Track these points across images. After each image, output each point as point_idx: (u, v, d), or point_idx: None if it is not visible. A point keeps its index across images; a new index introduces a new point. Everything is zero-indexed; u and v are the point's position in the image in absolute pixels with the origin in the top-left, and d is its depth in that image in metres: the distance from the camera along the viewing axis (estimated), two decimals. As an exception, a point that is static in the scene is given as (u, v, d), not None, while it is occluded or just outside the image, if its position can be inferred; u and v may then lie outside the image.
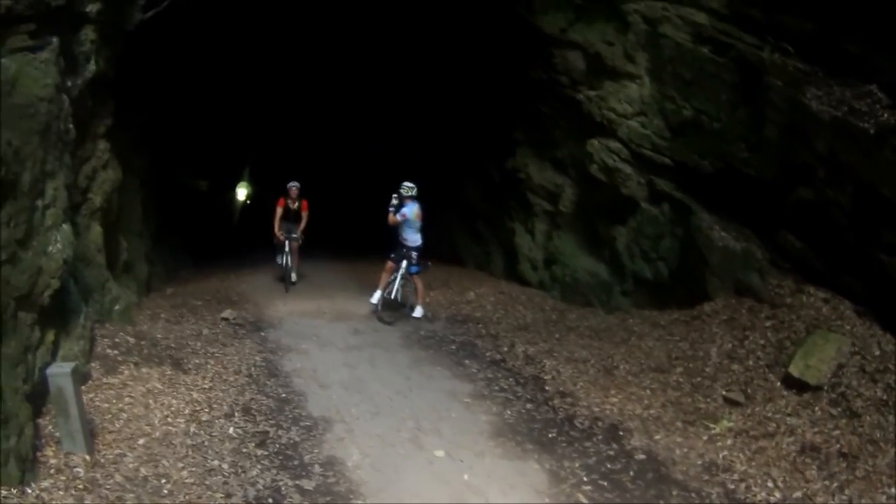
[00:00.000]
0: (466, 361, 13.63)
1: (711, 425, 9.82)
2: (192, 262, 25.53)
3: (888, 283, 10.53)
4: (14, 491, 6.87)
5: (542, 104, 19.49)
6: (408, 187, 16.67)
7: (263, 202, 34.16)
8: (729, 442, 9.40)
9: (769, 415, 9.72)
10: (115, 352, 11.36)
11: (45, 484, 7.38)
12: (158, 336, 13.16)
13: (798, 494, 8.11)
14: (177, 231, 24.95)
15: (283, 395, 11.53)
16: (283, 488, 8.35)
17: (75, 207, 11.63)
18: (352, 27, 24.79)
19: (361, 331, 15.82)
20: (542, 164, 20.31)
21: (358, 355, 13.94)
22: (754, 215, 13.21)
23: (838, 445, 8.73)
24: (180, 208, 26.17)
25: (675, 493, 8.45)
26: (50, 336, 9.12)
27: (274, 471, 8.78)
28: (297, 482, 8.55)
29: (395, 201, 16.61)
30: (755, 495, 8.24)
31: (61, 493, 7.31)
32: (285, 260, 21.26)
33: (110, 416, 9.29)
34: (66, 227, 9.73)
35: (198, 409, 10.21)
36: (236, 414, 10.31)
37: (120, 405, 9.67)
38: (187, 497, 7.81)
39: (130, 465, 8.22)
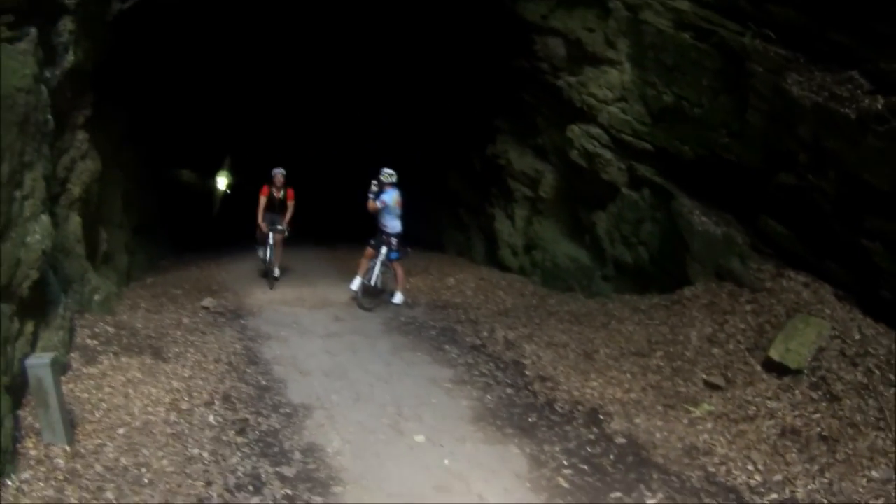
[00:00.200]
0: (447, 347, 13.66)
1: (692, 409, 9.84)
2: (173, 252, 25.47)
3: (869, 267, 10.56)
4: (-6, 483, 6.87)
5: (523, 91, 19.52)
6: (387, 174, 16.68)
7: (244, 192, 34.12)
8: (709, 425, 9.39)
9: (749, 398, 9.72)
10: (95, 342, 11.34)
11: (25, 476, 7.37)
12: (138, 325, 13.14)
13: (778, 478, 8.12)
14: (157, 221, 24.82)
15: (264, 382, 11.53)
16: (263, 475, 8.34)
17: (54, 198, 11.61)
18: (330, 14, 24.66)
19: (342, 318, 15.86)
20: (523, 151, 20.36)
21: (338, 342, 13.96)
22: (735, 201, 13.25)
23: (818, 429, 8.73)
24: (161, 198, 26.00)
25: (655, 476, 8.45)
26: (29, 327, 9.11)
27: (254, 458, 8.76)
28: (278, 469, 8.54)
29: (374, 188, 16.63)
30: (735, 478, 8.25)
31: (42, 484, 7.30)
32: (268, 253, 19.91)
33: (90, 406, 9.26)
34: (44, 217, 9.72)
35: (178, 397, 10.16)
36: (216, 402, 10.27)
37: (100, 395, 9.63)
38: (168, 486, 7.78)
39: (111, 455, 8.19)
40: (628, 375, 11.26)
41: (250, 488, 8.02)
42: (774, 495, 7.84)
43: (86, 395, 9.53)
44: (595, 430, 9.77)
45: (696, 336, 11.64)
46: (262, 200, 20.08)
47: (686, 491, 8.12)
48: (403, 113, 27.52)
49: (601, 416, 10.10)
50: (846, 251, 11.00)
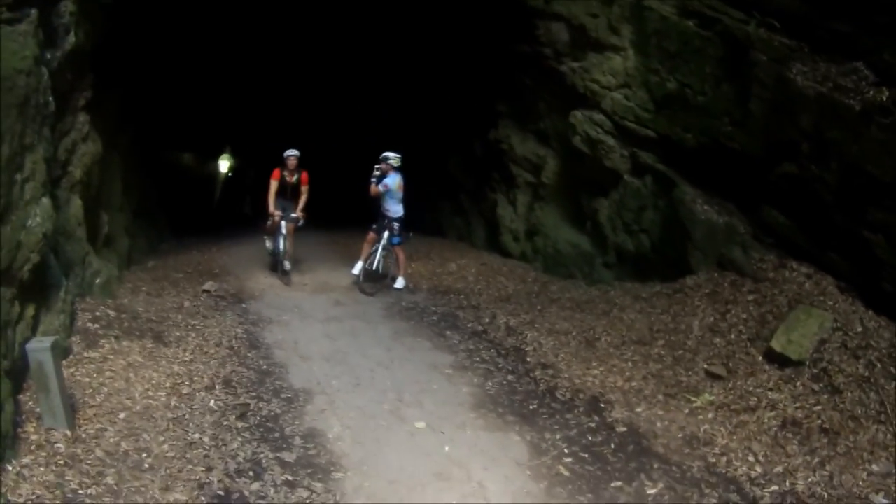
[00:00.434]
0: (448, 333, 13.69)
1: (693, 399, 9.83)
2: (174, 236, 25.41)
3: (871, 259, 10.54)
4: (-5, 467, 6.86)
5: (525, 76, 19.45)
6: (391, 157, 16.64)
7: (244, 175, 34.05)
8: (710, 415, 9.40)
9: (751, 389, 9.73)
10: (96, 326, 11.32)
11: (25, 460, 7.34)
12: (139, 309, 13.13)
13: (779, 469, 8.12)
14: (158, 204, 24.75)
15: (265, 367, 11.56)
16: (263, 461, 8.35)
17: (55, 181, 11.55)
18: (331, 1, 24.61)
19: (343, 302, 15.89)
20: (525, 136, 20.30)
21: (339, 327, 13.98)
22: (738, 190, 13.22)
23: (819, 421, 8.74)
24: (162, 181, 25.91)
25: (656, 466, 8.45)
26: (30, 311, 9.08)
27: (255, 443, 8.78)
28: (278, 454, 8.55)
29: (377, 172, 16.60)
30: (736, 469, 8.24)
31: (42, 469, 7.28)
32: (280, 245, 18.20)
33: (91, 390, 9.26)
34: (45, 200, 9.68)
35: (179, 382, 10.20)
36: (217, 387, 10.31)
37: (101, 379, 9.64)
38: (168, 471, 7.79)
39: (111, 440, 8.19)
40: (629, 364, 11.27)
41: (251, 474, 8.03)
42: (775, 487, 7.83)
43: (87, 380, 9.53)
44: (596, 418, 9.77)
45: (697, 325, 11.63)
46: (273, 185, 18.33)
47: (686, 481, 8.11)
48: (404, 97, 27.40)
49: (602, 405, 10.10)
50: (848, 243, 10.98)
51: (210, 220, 31.83)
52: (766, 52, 12.26)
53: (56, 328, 9.81)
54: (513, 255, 20.86)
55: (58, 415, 8.02)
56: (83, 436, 8.14)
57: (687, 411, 9.61)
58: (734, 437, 8.83)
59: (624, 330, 12.50)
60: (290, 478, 8.04)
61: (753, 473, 8.13)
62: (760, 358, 10.31)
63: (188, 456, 8.18)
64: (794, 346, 9.92)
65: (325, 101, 33.59)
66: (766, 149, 12.27)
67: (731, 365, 10.38)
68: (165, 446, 8.29)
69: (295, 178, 18.42)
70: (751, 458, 8.39)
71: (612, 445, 9.04)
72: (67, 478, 7.23)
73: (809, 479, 7.85)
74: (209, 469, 7.97)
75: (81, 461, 7.61)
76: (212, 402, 9.72)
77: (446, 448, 8.94)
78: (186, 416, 9.17)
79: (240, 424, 9.21)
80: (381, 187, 16.58)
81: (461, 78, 22.88)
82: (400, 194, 16.86)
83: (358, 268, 16.81)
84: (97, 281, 13.04)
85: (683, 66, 13.93)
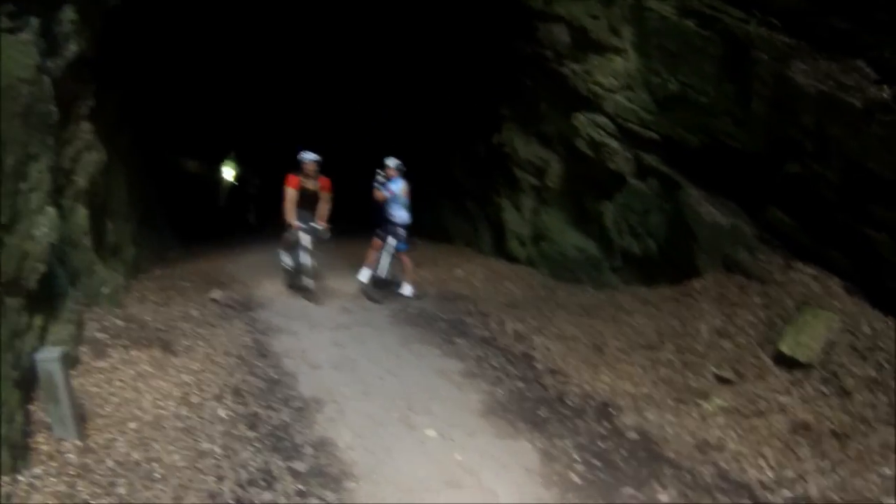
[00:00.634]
0: (456, 339, 13.65)
1: (703, 403, 9.81)
2: (180, 244, 25.41)
3: (876, 258, 10.54)
4: (6, 478, 6.85)
5: (527, 78, 19.47)
6: (394, 163, 16.65)
7: (249, 183, 33.98)
8: (720, 420, 9.36)
9: (760, 393, 9.68)
10: (104, 335, 11.31)
11: (36, 471, 7.35)
12: (147, 318, 13.10)
13: (790, 473, 8.08)
14: (164, 213, 24.75)
15: (274, 375, 11.52)
16: (275, 470, 8.32)
17: (60, 190, 11.58)
18: (334, 4, 24.61)
19: (350, 309, 15.87)
20: (528, 139, 20.30)
21: (347, 334, 13.97)
22: (742, 190, 13.19)
23: (830, 424, 8.69)
24: (167, 190, 25.87)
25: (667, 471, 8.43)
26: (38, 321, 9.09)
27: (266, 453, 8.75)
28: (289, 464, 8.52)
29: (381, 178, 16.58)
30: (747, 474, 8.20)
31: (53, 479, 7.28)
32: (302, 260, 16.66)
33: (100, 400, 9.26)
34: (51, 210, 9.69)
35: (188, 391, 10.17)
36: (227, 396, 10.27)
37: (110, 389, 9.64)
38: (179, 481, 7.77)
39: (122, 450, 8.18)
40: (639, 369, 11.23)
41: (262, 483, 8.01)
42: (786, 492, 7.80)
43: (96, 389, 9.52)
44: (606, 424, 9.73)
45: (706, 329, 11.60)
46: (291, 193, 16.67)
47: (698, 486, 8.08)
48: (406, 100, 27.43)
49: (612, 411, 10.06)
50: (852, 242, 10.97)
51: (216, 228, 31.79)
52: (766, 50, 12.25)
53: (64, 338, 9.80)
54: (519, 260, 20.84)
55: (68, 425, 8.03)
56: (93, 446, 8.13)
57: (697, 416, 9.57)
58: (745, 442, 8.79)
59: (632, 334, 12.45)
60: (301, 487, 8.02)
61: (765, 478, 8.10)
62: (769, 361, 10.27)
63: (199, 465, 8.16)
64: (802, 348, 9.89)
65: (326, 105, 33.65)
66: (768, 148, 12.28)
67: (740, 369, 10.34)
68: (176, 456, 8.27)
69: (315, 184, 17.04)
70: (762, 463, 8.35)
71: (623, 451, 9.01)
72: (79, 488, 7.23)
73: (821, 484, 7.80)
74: (220, 479, 7.95)
75: (92, 471, 7.61)
76: (221, 412, 9.69)
77: (457, 455, 8.92)
78: (196, 426, 9.14)
79: (250, 434, 9.17)
80: (386, 193, 16.57)
81: (463, 81, 22.93)
82: (405, 200, 16.85)
83: (365, 274, 16.81)
84: (104, 290, 13.04)
85: (684, 67, 13.94)
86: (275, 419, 9.76)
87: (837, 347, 9.84)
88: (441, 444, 9.28)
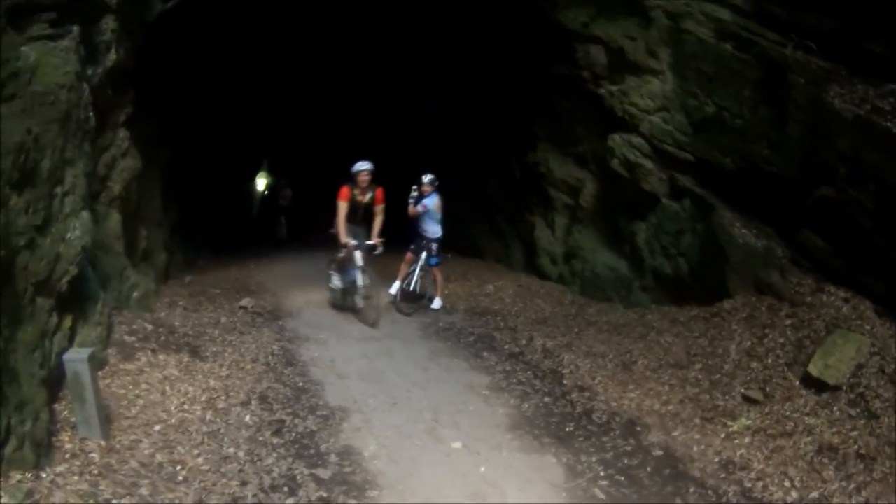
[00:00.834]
0: (485, 354, 13.65)
1: (729, 423, 9.75)
2: (211, 252, 25.52)
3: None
4: (29, 475, 6.85)
5: (563, 99, 19.43)
6: (429, 179, 16.67)
7: (279, 194, 33.92)
8: (747, 440, 9.32)
9: (787, 414, 9.64)
10: (133, 338, 11.38)
11: (59, 469, 7.35)
12: (176, 323, 13.20)
13: (815, 495, 8.04)
14: (196, 221, 24.86)
15: (301, 384, 11.57)
16: (298, 477, 8.36)
17: (94, 195, 11.69)
18: (371, 20, 24.64)
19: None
20: (564, 159, 20.25)
21: (376, 346, 14.01)
22: (775, 213, 13.12)
23: (856, 446, 8.64)
24: (200, 198, 25.96)
25: (692, 490, 8.38)
26: (67, 322, 9.16)
27: (290, 459, 8.79)
28: (313, 471, 8.55)
29: (414, 192, 16.60)
30: (772, 494, 8.16)
31: (76, 477, 7.29)
32: (357, 279, 15.60)
33: (126, 402, 9.31)
34: (85, 214, 9.78)
35: (214, 396, 10.24)
36: (253, 402, 10.33)
37: (136, 391, 9.71)
38: (202, 484, 7.80)
39: (146, 452, 8.21)
40: (666, 387, 11.20)
41: (285, 489, 8.03)
42: (811, 512, 7.77)
43: (122, 391, 9.58)
44: (632, 441, 9.70)
45: (735, 349, 11.54)
46: (343, 208, 15.53)
47: (722, 505, 8.05)
48: (441, 116, 27.41)
49: (638, 428, 10.03)
50: (886, 266, 10.88)
51: (247, 237, 31.86)
52: (802, 74, 12.21)
53: (93, 340, 9.88)
54: (550, 277, 20.78)
55: (93, 425, 8.05)
56: (117, 446, 8.16)
57: (723, 435, 9.52)
58: (770, 462, 8.75)
59: (661, 353, 12.41)
60: (324, 494, 8.03)
61: (789, 499, 8.06)
62: (797, 382, 10.21)
63: (223, 470, 8.20)
64: (831, 370, 9.83)
65: (361, 119, 33.65)
66: (803, 172, 12.21)
67: (767, 389, 10.28)
68: (200, 459, 8.31)
69: (368, 196, 15.83)
70: (787, 484, 8.30)
71: (649, 469, 8.97)
72: (101, 487, 7.23)
73: (846, 506, 7.78)
74: (244, 483, 7.97)
75: (115, 471, 7.62)
76: (247, 418, 9.74)
77: (482, 469, 8.90)
78: (222, 431, 9.19)
79: (275, 440, 9.23)
80: (419, 208, 16.59)
81: (499, 100, 22.89)
82: (439, 215, 16.90)
83: (395, 287, 16.84)
84: (134, 294, 13.12)
85: (721, 89, 13.88)
86: (300, 427, 9.80)
87: (866, 370, 9.78)
88: (466, 456, 9.26)
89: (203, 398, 10.04)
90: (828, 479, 8.26)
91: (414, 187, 16.64)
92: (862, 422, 9.05)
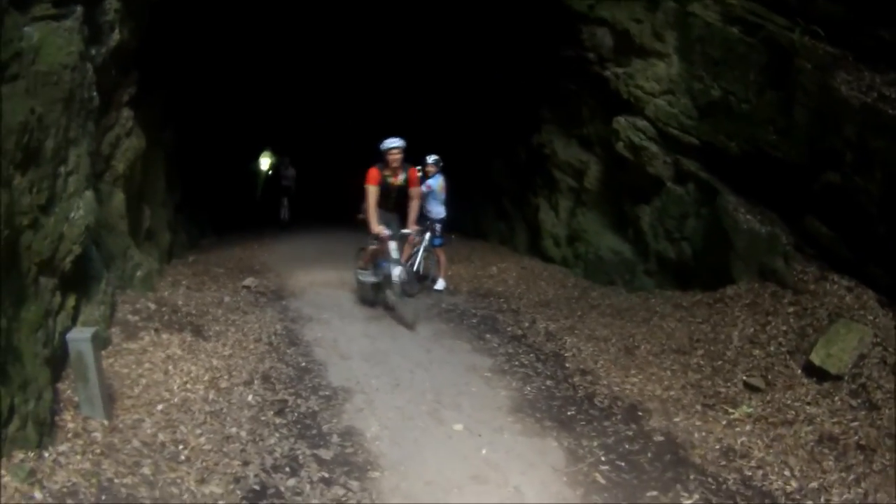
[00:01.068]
0: (487, 336, 13.65)
1: (731, 410, 9.75)
2: (215, 232, 25.56)
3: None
4: (31, 454, 6.86)
5: (568, 81, 19.40)
6: (433, 160, 16.68)
7: (281, 174, 33.77)
8: (748, 428, 9.32)
9: (788, 402, 9.64)
10: (136, 318, 11.42)
11: (62, 448, 7.35)
12: (179, 303, 13.23)
13: (814, 485, 8.03)
14: (200, 200, 24.87)
15: (303, 364, 11.58)
16: (300, 457, 8.37)
17: (98, 175, 11.73)
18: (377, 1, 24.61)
19: (383, 302, 15.79)
20: (569, 141, 20.25)
21: (379, 327, 14.02)
22: (781, 199, 13.09)
23: (856, 437, 8.63)
24: (204, 178, 25.91)
25: (692, 476, 8.37)
26: (71, 301, 9.19)
27: (292, 439, 8.80)
28: (315, 451, 8.56)
29: (419, 173, 16.57)
30: (772, 483, 8.15)
31: (78, 457, 7.30)
32: (395, 273, 14.11)
33: (129, 381, 9.34)
34: (88, 193, 9.80)
35: (217, 376, 10.25)
36: (255, 382, 10.36)
37: (139, 371, 9.73)
38: (204, 463, 7.81)
39: (148, 431, 8.23)
40: (668, 373, 11.21)
41: (287, 469, 8.04)
42: (810, 502, 7.75)
43: (125, 371, 9.60)
44: (633, 426, 9.70)
45: (737, 336, 11.54)
46: (373, 192, 13.96)
47: (722, 493, 8.03)
48: (446, 98, 27.35)
49: (640, 413, 10.03)
50: (891, 256, 10.85)
51: (251, 217, 31.78)
52: (810, 59, 12.18)
53: (96, 319, 9.90)
54: (554, 260, 20.81)
55: (95, 404, 8.07)
56: (120, 426, 8.18)
57: (724, 423, 9.52)
58: (771, 451, 8.74)
59: (663, 338, 12.42)
60: (326, 475, 8.04)
61: (789, 488, 8.04)
62: (799, 371, 10.21)
63: (225, 449, 8.21)
64: (833, 360, 9.82)
65: (366, 102, 33.59)
66: (809, 158, 12.18)
67: (769, 377, 10.27)
68: (202, 439, 8.32)
69: (401, 178, 14.34)
70: (787, 473, 8.29)
71: (649, 454, 8.96)
72: (103, 466, 7.24)
73: (845, 496, 7.75)
74: (245, 463, 7.99)
75: (118, 451, 7.63)
76: (250, 397, 9.76)
77: (483, 451, 8.90)
78: (224, 410, 9.20)
79: (277, 420, 9.25)
80: (423, 188, 16.54)
81: (505, 82, 22.85)
82: (443, 196, 16.95)
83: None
84: (138, 274, 13.15)
85: (727, 73, 13.86)
86: (303, 407, 9.82)
87: (868, 361, 9.76)
88: (468, 439, 9.26)
89: (206, 378, 10.05)
90: (827, 469, 8.24)
91: (418, 168, 16.59)
92: (863, 412, 9.04)
